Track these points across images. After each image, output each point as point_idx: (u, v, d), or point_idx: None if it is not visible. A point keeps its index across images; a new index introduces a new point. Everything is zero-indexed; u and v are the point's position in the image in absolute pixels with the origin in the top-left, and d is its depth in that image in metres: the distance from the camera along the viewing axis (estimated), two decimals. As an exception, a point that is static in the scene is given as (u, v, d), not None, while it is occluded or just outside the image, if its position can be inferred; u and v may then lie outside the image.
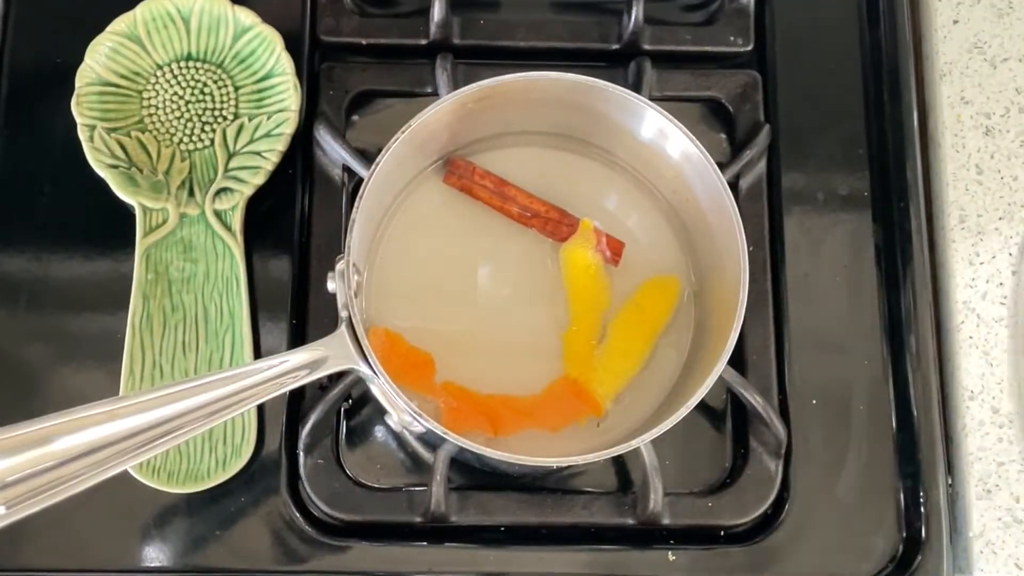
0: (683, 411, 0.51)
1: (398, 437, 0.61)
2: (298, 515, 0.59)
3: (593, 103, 0.58)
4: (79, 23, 0.63)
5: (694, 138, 0.56)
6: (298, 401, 0.60)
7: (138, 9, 0.63)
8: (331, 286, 0.54)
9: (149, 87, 0.63)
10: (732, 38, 0.67)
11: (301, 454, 0.59)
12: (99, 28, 0.62)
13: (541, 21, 0.67)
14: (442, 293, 0.60)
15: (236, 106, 0.64)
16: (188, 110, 0.63)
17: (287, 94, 0.63)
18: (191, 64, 0.64)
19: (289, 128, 0.62)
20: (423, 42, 0.66)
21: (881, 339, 0.63)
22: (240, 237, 0.61)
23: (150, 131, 0.63)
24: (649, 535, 0.59)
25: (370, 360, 0.51)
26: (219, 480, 0.58)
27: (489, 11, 0.67)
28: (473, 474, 0.60)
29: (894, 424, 0.61)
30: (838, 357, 0.62)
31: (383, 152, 0.54)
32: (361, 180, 0.57)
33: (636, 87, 0.64)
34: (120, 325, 0.59)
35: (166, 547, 0.58)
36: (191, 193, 0.62)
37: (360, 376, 0.54)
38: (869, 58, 0.67)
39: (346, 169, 0.63)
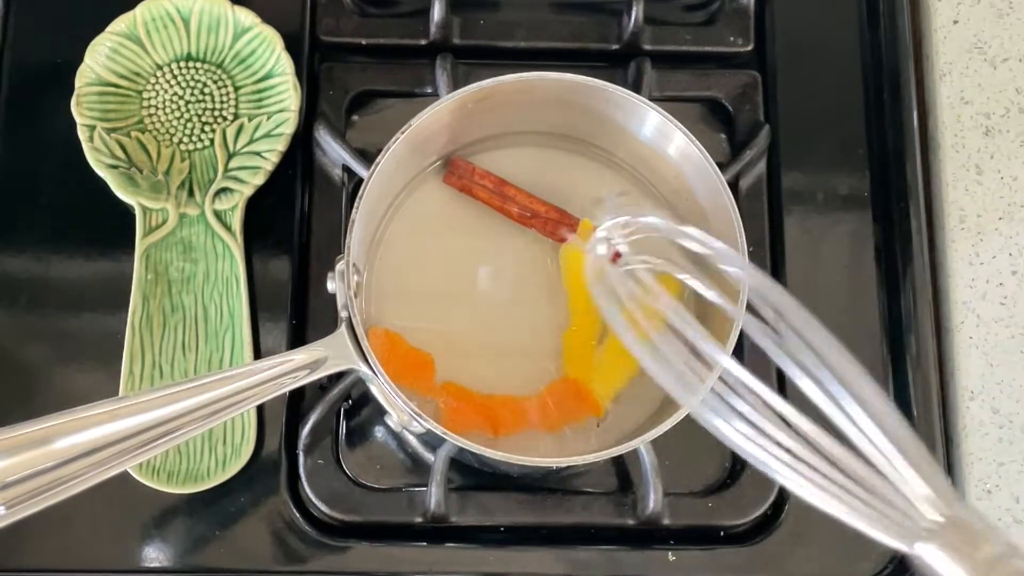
0: (683, 411, 0.51)
1: (398, 437, 0.61)
2: (298, 515, 0.59)
3: (593, 103, 0.58)
4: (79, 23, 0.63)
5: (694, 138, 0.56)
6: (298, 401, 0.60)
7: (138, 9, 0.63)
8: (331, 286, 0.54)
9: (149, 87, 0.63)
10: (732, 38, 0.67)
11: (301, 454, 0.59)
12: (99, 28, 0.62)
13: (541, 21, 0.67)
14: (442, 293, 0.60)
15: (236, 106, 0.64)
16: (188, 110, 0.63)
17: (287, 94, 0.63)
18: (191, 64, 0.64)
19: (289, 128, 0.62)
20: (423, 42, 0.66)
21: (881, 339, 0.63)
22: (240, 237, 0.61)
23: (150, 131, 0.63)
24: (649, 535, 0.59)
25: (370, 360, 0.51)
26: (219, 480, 0.58)
27: (489, 11, 0.67)
28: (473, 474, 0.60)
29: (894, 424, 0.61)
30: (838, 357, 0.62)
31: (383, 152, 0.54)
32: (361, 180, 0.56)
33: (636, 87, 0.64)
34: (120, 325, 0.59)
35: (166, 547, 0.58)
36: (191, 193, 0.62)
37: (360, 376, 0.54)
38: (869, 58, 0.67)
39: (346, 169, 0.63)
